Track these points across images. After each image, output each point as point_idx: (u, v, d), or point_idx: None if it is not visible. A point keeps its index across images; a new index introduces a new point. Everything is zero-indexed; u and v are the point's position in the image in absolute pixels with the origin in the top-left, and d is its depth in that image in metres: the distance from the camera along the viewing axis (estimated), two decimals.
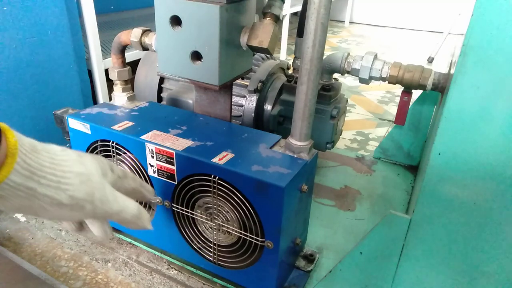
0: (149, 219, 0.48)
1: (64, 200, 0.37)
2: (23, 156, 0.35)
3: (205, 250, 0.79)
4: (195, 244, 0.80)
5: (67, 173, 0.38)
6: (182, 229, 0.80)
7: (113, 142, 0.79)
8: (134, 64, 1.09)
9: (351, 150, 1.45)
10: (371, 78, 0.97)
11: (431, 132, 1.06)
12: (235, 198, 0.69)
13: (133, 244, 0.91)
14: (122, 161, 0.81)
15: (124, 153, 0.80)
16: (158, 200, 0.74)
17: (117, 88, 0.91)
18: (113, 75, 0.90)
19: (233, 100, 0.99)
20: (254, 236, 0.71)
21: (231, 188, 0.69)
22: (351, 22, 3.91)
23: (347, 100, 1.11)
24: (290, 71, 1.13)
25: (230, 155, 0.71)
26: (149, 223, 0.47)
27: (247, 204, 0.68)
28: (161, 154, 0.73)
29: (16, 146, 0.34)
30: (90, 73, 1.22)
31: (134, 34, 0.86)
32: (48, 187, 0.36)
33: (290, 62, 1.13)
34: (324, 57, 0.73)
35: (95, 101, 1.27)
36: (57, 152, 0.39)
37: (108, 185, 0.43)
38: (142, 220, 0.47)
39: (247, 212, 0.69)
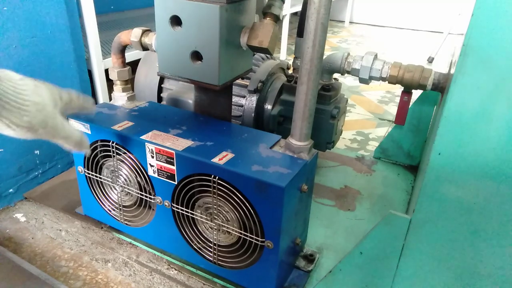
0: (88, 146, 0.57)
1: (23, 123, 0.45)
2: None
3: (205, 250, 0.79)
4: (195, 244, 0.80)
5: (26, 102, 0.45)
6: (182, 229, 0.80)
7: (113, 142, 0.79)
8: (134, 64, 1.09)
9: (351, 150, 1.45)
10: (371, 78, 0.97)
11: (431, 132, 1.06)
12: (235, 198, 0.69)
13: (133, 244, 0.91)
14: (122, 161, 0.81)
15: (124, 153, 0.80)
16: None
17: (117, 88, 0.91)
18: (113, 75, 0.90)
19: (233, 100, 0.99)
20: (254, 236, 0.71)
21: (231, 188, 0.69)
22: (351, 22, 3.90)
23: (347, 100, 1.11)
24: (290, 71, 1.13)
25: (230, 155, 0.71)
26: (89, 148, 0.57)
27: (247, 204, 0.68)
28: (161, 154, 0.73)
29: None
30: (90, 73, 1.22)
31: (134, 34, 0.86)
32: (11, 112, 0.44)
33: (290, 62, 1.13)
34: (324, 57, 0.73)
35: (95, 101, 1.27)
36: (18, 81, 0.45)
37: (59, 114, 0.51)
38: (83, 146, 0.55)
39: (247, 212, 0.69)
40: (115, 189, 0.87)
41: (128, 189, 0.84)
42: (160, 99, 1.14)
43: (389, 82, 0.96)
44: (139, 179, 0.81)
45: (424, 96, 1.17)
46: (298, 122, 0.71)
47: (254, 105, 1.03)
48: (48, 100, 0.49)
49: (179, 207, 0.77)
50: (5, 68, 0.97)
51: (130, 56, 1.31)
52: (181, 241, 0.80)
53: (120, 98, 0.91)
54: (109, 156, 0.82)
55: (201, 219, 0.76)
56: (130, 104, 0.90)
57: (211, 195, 0.72)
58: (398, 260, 0.71)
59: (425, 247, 0.68)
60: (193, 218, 0.78)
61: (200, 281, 0.83)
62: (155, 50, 0.83)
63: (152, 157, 0.74)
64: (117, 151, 0.80)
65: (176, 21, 0.74)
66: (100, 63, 1.23)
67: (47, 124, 0.48)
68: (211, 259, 0.79)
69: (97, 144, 0.82)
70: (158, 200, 0.78)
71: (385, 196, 1.13)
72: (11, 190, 1.04)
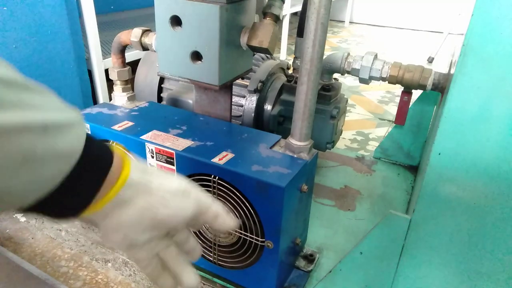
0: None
1: (175, 186, 0.39)
2: (133, 160, 0.38)
3: (205, 250, 0.79)
4: None
5: (170, 174, 0.41)
6: None
7: (113, 142, 0.79)
8: (134, 64, 1.09)
9: (351, 150, 1.45)
10: (371, 78, 0.97)
11: (431, 132, 1.06)
12: (235, 198, 0.69)
13: None
14: None
15: None
16: None
17: (117, 88, 0.91)
18: (113, 75, 0.90)
19: (233, 100, 0.99)
20: (254, 236, 0.71)
21: (231, 188, 0.69)
22: (351, 22, 3.91)
23: (347, 100, 1.11)
24: (290, 71, 1.13)
25: (230, 155, 0.71)
26: (234, 221, 0.46)
27: (247, 204, 0.68)
28: (161, 154, 0.73)
29: (124, 153, 0.38)
30: (90, 73, 1.22)
31: (134, 34, 0.86)
32: (160, 178, 0.39)
33: (290, 62, 1.13)
34: (324, 57, 0.73)
35: (95, 101, 1.27)
36: (165, 174, 0.41)
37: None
38: (228, 216, 0.45)
39: (247, 212, 0.69)
40: None
41: None
42: (160, 99, 1.14)
43: (389, 82, 0.96)
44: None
45: (424, 96, 1.17)
46: (298, 122, 0.71)
47: (254, 105, 1.03)
48: (190, 210, 0.41)
49: None
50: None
51: (130, 56, 1.31)
52: None
53: (120, 98, 0.91)
54: None
55: None
56: (130, 104, 0.90)
57: (211, 195, 0.72)
58: (398, 260, 0.71)
59: (425, 247, 0.68)
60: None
61: (200, 281, 0.83)
62: (155, 50, 0.83)
63: (152, 157, 0.74)
64: None
65: (176, 21, 0.74)
66: (100, 63, 1.23)
67: (197, 192, 0.41)
68: (211, 259, 0.79)
69: None
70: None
71: (385, 196, 1.13)
72: None
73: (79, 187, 0.33)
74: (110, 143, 0.79)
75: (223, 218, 0.43)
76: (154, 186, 0.38)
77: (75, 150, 0.32)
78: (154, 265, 0.40)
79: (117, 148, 0.37)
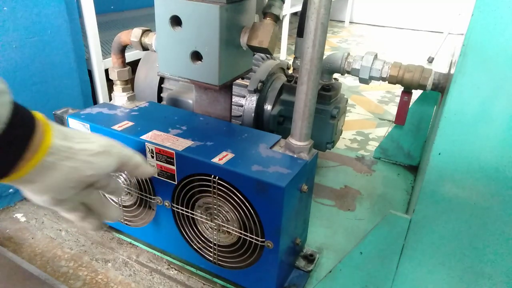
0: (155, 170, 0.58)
1: (96, 148, 0.45)
2: (55, 126, 0.42)
3: (205, 250, 0.79)
4: (195, 244, 0.80)
5: (88, 135, 0.46)
6: (182, 229, 0.80)
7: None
8: (134, 64, 1.09)
9: (351, 150, 1.45)
10: (371, 78, 0.97)
11: (431, 132, 1.06)
12: (235, 198, 0.69)
13: (133, 244, 0.91)
14: None
15: None
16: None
17: (117, 88, 0.91)
18: (113, 75, 0.90)
19: (233, 100, 0.99)
20: (254, 236, 0.71)
21: (231, 188, 0.69)
22: (351, 22, 3.90)
23: (347, 100, 1.11)
24: (290, 71, 1.13)
25: (230, 155, 0.71)
26: (153, 168, 0.55)
27: (247, 204, 0.68)
28: (161, 154, 0.73)
29: (45, 120, 0.42)
30: (90, 73, 1.22)
31: (134, 34, 0.86)
32: (81, 143, 0.43)
33: (290, 62, 1.13)
34: (324, 57, 0.73)
35: (95, 101, 1.27)
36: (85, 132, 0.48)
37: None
38: (147, 165, 0.54)
39: (247, 212, 0.69)
40: None
41: (128, 189, 0.84)
42: (160, 99, 1.14)
43: (389, 82, 0.96)
44: (139, 179, 0.81)
45: (424, 96, 1.17)
46: (298, 122, 0.71)
47: (254, 105, 1.03)
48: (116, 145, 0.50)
49: (179, 207, 0.77)
50: (4, 68, 0.97)
51: (130, 56, 1.31)
52: (181, 241, 0.80)
53: (120, 98, 0.91)
54: None
55: (201, 219, 0.76)
56: (130, 104, 0.90)
57: (211, 195, 0.72)
58: (398, 260, 0.71)
59: (425, 247, 0.68)
60: (193, 218, 0.78)
61: (200, 281, 0.83)
62: (155, 50, 0.83)
63: (152, 157, 0.74)
64: None
65: (176, 21, 0.74)
66: (100, 63, 1.23)
67: (114, 145, 0.48)
68: (211, 259, 0.79)
69: None
70: (158, 200, 0.78)
71: (385, 196, 1.13)
72: (11, 190, 1.04)
73: (2, 154, 0.37)
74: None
75: (143, 167, 0.51)
76: (77, 150, 0.42)
77: (0, 118, 0.36)
78: (79, 212, 0.47)
79: (39, 115, 0.41)
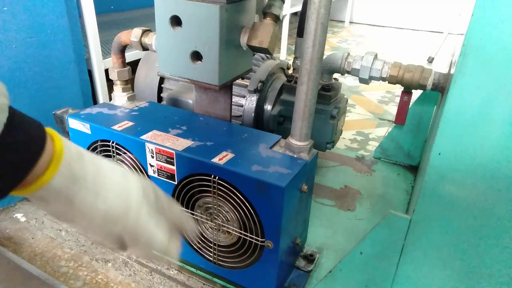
0: (177, 253, 0.44)
1: (100, 211, 0.37)
2: (68, 162, 0.36)
3: (205, 250, 0.79)
4: (195, 244, 0.80)
5: (107, 185, 0.38)
6: None
7: (113, 142, 0.79)
8: (134, 64, 1.09)
9: (351, 150, 1.45)
10: (371, 78, 0.97)
11: (431, 132, 1.06)
12: (235, 198, 0.69)
13: None
14: (122, 161, 0.81)
15: (124, 153, 0.80)
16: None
17: (117, 88, 0.91)
18: (113, 75, 0.90)
19: (233, 100, 0.99)
20: (254, 236, 0.71)
21: (231, 188, 0.69)
22: (351, 22, 3.90)
23: (347, 100, 1.11)
24: (290, 71, 1.13)
25: (230, 155, 0.71)
26: (177, 256, 0.44)
27: (247, 204, 0.68)
28: (161, 154, 0.73)
29: (62, 151, 0.36)
30: (90, 73, 1.22)
31: (134, 34, 0.86)
32: (86, 198, 0.37)
33: (290, 62, 1.13)
34: (324, 57, 0.73)
35: (95, 101, 1.27)
36: (103, 165, 0.39)
37: (145, 208, 0.41)
38: (171, 254, 0.44)
39: (247, 212, 0.69)
40: None
41: None
42: (160, 99, 1.14)
43: (389, 82, 0.96)
44: None
45: (424, 96, 1.17)
46: (298, 122, 0.70)
47: (254, 105, 1.03)
48: (135, 190, 0.41)
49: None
50: (4, 68, 0.97)
51: (130, 56, 1.31)
52: (181, 241, 0.80)
53: (120, 98, 0.91)
54: (109, 156, 0.82)
55: (201, 219, 0.76)
56: (130, 104, 0.90)
57: (211, 195, 0.72)
58: (398, 260, 0.71)
59: (425, 247, 0.68)
60: (193, 218, 0.78)
61: (200, 281, 0.83)
62: (155, 50, 0.83)
63: (152, 157, 0.74)
64: (117, 151, 0.80)
65: (176, 21, 0.74)
66: (100, 63, 1.23)
67: (128, 215, 0.39)
68: (211, 259, 0.79)
69: (97, 144, 0.82)
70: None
71: (385, 196, 1.13)
72: None
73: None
74: (110, 143, 0.79)
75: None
76: (77, 199, 0.36)
77: None
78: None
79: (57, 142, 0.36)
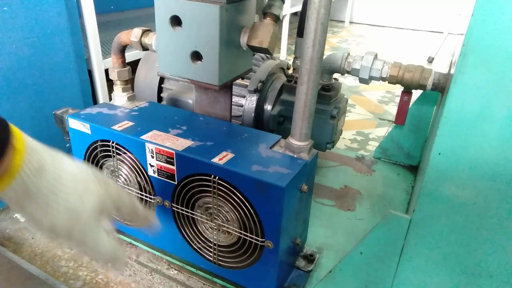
0: (124, 263, 0.49)
1: (45, 227, 0.40)
2: (22, 178, 0.37)
3: (205, 250, 0.79)
4: (195, 244, 0.80)
5: (60, 201, 0.40)
6: (182, 229, 0.80)
7: (113, 142, 0.79)
8: (134, 64, 1.09)
9: (351, 150, 1.45)
10: (371, 78, 0.97)
11: (431, 132, 1.06)
12: (235, 198, 0.69)
13: (133, 244, 0.91)
14: (122, 161, 0.81)
15: (124, 153, 0.80)
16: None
17: (117, 88, 0.91)
18: (113, 75, 0.90)
19: (233, 100, 0.99)
20: (254, 236, 0.71)
21: (231, 188, 0.69)
22: (351, 22, 3.90)
23: (347, 100, 1.11)
24: (290, 71, 1.13)
25: (230, 155, 0.71)
26: (124, 266, 0.49)
27: (247, 204, 0.68)
28: (161, 154, 0.73)
29: (19, 167, 0.36)
30: (90, 73, 1.22)
31: (134, 34, 0.86)
32: (36, 213, 0.39)
33: (290, 62, 1.13)
34: (324, 57, 0.73)
35: (95, 101, 1.27)
36: (65, 175, 0.40)
37: (93, 225, 0.43)
38: (118, 263, 0.48)
39: (247, 212, 0.69)
40: None
41: (128, 189, 0.84)
42: (160, 99, 1.14)
43: (389, 82, 0.96)
44: (139, 179, 0.81)
45: (424, 96, 1.17)
46: (298, 122, 0.71)
47: (254, 105, 1.03)
48: (88, 207, 0.42)
49: (179, 207, 0.77)
50: (4, 68, 0.97)
51: (130, 56, 1.31)
52: (181, 241, 0.80)
53: (120, 98, 0.91)
54: (109, 156, 0.82)
55: (201, 219, 0.76)
56: (130, 104, 0.90)
57: (211, 195, 0.72)
58: (398, 260, 0.71)
59: (425, 247, 0.68)
60: (193, 218, 0.78)
61: (200, 281, 0.83)
62: (155, 50, 0.83)
63: (152, 157, 0.74)
64: (117, 151, 0.80)
65: (176, 21, 0.74)
66: (100, 63, 1.23)
67: (71, 234, 0.41)
68: (211, 259, 0.79)
69: (97, 144, 0.82)
70: (158, 200, 0.78)
71: (385, 196, 1.13)
72: None
73: None
74: (110, 143, 0.79)
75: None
76: (27, 212, 0.38)
77: None
78: None
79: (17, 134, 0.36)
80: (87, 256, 0.45)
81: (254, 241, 0.71)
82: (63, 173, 0.40)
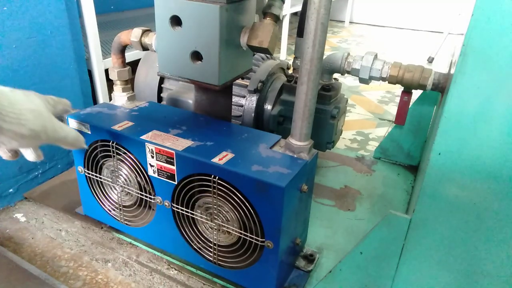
0: (84, 142, 0.60)
1: (25, 132, 0.46)
2: None
3: (205, 250, 0.79)
4: (195, 244, 0.80)
5: (23, 111, 0.46)
6: (182, 229, 0.80)
7: (113, 142, 0.79)
8: (134, 64, 1.09)
9: (351, 150, 1.45)
10: (371, 78, 0.97)
11: (431, 132, 1.06)
12: (235, 198, 0.69)
13: (133, 244, 0.91)
14: (122, 161, 0.81)
15: (124, 153, 0.80)
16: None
17: (117, 88, 0.91)
18: (113, 75, 0.90)
19: (233, 100, 0.99)
20: (254, 236, 0.71)
21: (231, 188, 0.69)
22: (351, 22, 3.90)
23: (347, 100, 1.11)
24: (290, 71, 1.13)
25: (230, 155, 0.71)
26: (85, 145, 0.60)
27: (247, 204, 0.68)
28: (161, 154, 0.73)
29: None
30: (90, 73, 1.22)
31: (134, 34, 0.86)
32: (11, 123, 0.45)
33: (290, 62, 1.13)
34: (324, 57, 0.73)
35: (95, 101, 1.27)
36: (8, 93, 0.47)
37: (53, 117, 0.53)
38: (80, 142, 0.58)
39: (247, 212, 0.69)
40: (115, 189, 0.87)
41: (128, 189, 0.84)
42: (160, 99, 1.14)
43: (389, 82, 0.96)
44: (139, 179, 0.81)
45: (424, 96, 1.17)
46: (298, 122, 0.71)
47: (254, 105, 1.03)
48: (41, 106, 0.51)
49: (179, 207, 0.77)
50: (4, 68, 0.97)
51: (130, 56, 1.31)
52: (181, 241, 0.80)
53: (120, 98, 0.91)
54: (109, 156, 0.82)
55: (201, 219, 0.76)
56: (130, 104, 0.90)
57: (211, 195, 0.72)
58: (398, 260, 0.71)
59: (425, 247, 0.68)
60: (193, 218, 0.78)
61: (200, 281, 0.83)
62: (155, 50, 0.83)
63: (152, 157, 0.74)
64: (117, 151, 0.80)
65: (176, 21, 0.74)
66: (100, 63, 1.23)
67: (46, 128, 0.49)
68: (211, 259, 0.79)
69: (97, 144, 0.82)
70: (158, 200, 0.78)
71: (385, 196, 1.13)
72: (11, 190, 1.04)
73: None
74: (110, 143, 0.79)
75: (74, 147, 0.56)
76: (5, 130, 0.44)
77: None
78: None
79: None
80: (59, 144, 0.53)
81: (254, 241, 0.71)
82: (2, 90, 0.47)
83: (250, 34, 0.76)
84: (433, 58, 2.62)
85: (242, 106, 1.04)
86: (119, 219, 0.88)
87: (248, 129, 0.82)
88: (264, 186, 0.64)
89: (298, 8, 2.52)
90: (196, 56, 0.76)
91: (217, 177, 0.69)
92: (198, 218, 0.77)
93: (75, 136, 0.57)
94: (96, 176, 0.87)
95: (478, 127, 0.57)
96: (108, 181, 0.86)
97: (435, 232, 0.66)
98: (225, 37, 0.72)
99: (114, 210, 0.89)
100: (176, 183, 0.74)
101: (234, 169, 0.67)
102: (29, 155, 0.54)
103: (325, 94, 1.00)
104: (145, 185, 0.80)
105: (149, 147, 0.74)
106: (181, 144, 0.73)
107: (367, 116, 1.80)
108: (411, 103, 1.07)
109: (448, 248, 0.66)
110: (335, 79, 1.07)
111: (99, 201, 0.90)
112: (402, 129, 1.24)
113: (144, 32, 0.86)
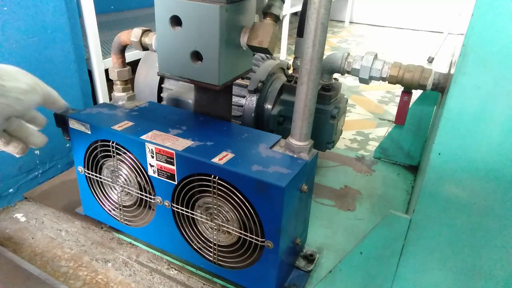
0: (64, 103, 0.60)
1: (25, 86, 0.49)
2: None
3: (205, 250, 0.79)
4: (195, 244, 0.80)
5: (14, 72, 0.50)
6: (182, 229, 0.80)
7: (113, 142, 0.79)
8: (134, 64, 1.09)
9: (351, 150, 1.45)
10: (371, 78, 0.97)
11: (431, 132, 1.06)
12: (235, 198, 0.69)
13: (133, 244, 0.91)
14: (122, 161, 0.81)
15: (124, 153, 0.80)
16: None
17: (117, 88, 0.91)
18: (113, 75, 0.90)
19: (233, 100, 0.99)
20: (254, 236, 0.71)
21: (231, 188, 0.69)
22: (351, 22, 3.90)
23: (347, 100, 1.11)
24: (290, 71, 1.13)
25: (230, 155, 0.71)
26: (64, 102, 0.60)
27: (247, 204, 0.68)
28: (161, 154, 0.73)
29: None
30: (90, 73, 1.22)
31: (134, 34, 0.86)
32: (11, 81, 0.48)
33: (290, 62, 1.13)
34: (324, 57, 0.73)
35: (95, 101, 1.27)
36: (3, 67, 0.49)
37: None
38: (62, 100, 0.58)
39: (247, 212, 0.69)
40: (115, 189, 0.87)
41: (128, 189, 0.84)
42: (160, 99, 1.14)
43: (389, 82, 0.96)
44: (139, 179, 0.81)
45: (424, 96, 1.17)
46: (298, 122, 0.71)
47: (254, 105, 1.03)
48: (28, 74, 0.53)
49: (179, 207, 0.77)
50: None
51: (130, 56, 1.31)
52: (181, 241, 0.80)
53: (120, 98, 0.91)
54: (109, 156, 0.82)
55: (201, 219, 0.76)
56: (130, 104, 0.90)
57: (211, 195, 0.72)
58: (398, 260, 0.71)
59: (425, 247, 0.68)
60: (193, 218, 0.78)
61: (200, 281, 0.83)
62: (155, 50, 0.83)
63: (152, 157, 0.74)
64: (117, 151, 0.80)
65: (176, 21, 0.74)
66: (100, 63, 1.23)
67: (37, 81, 0.52)
68: (211, 259, 0.79)
69: (97, 144, 0.82)
70: (158, 200, 0.78)
71: (385, 196, 1.13)
72: (11, 190, 1.04)
73: None
74: (110, 143, 0.79)
75: (58, 102, 0.56)
76: (8, 88, 0.47)
77: None
78: (2, 138, 0.53)
79: None
80: (50, 100, 0.55)
81: (254, 241, 0.71)
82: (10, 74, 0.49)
83: (250, 34, 0.76)
84: (433, 58, 2.62)
85: (242, 106, 1.04)
86: (119, 219, 0.88)
87: (248, 129, 0.82)
88: (264, 186, 0.64)
89: (298, 8, 2.52)
90: (196, 56, 0.76)
91: (217, 177, 0.69)
92: (198, 218, 0.77)
93: (57, 95, 0.58)
94: (96, 176, 0.87)
95: (478, 127, 0.57)
96: (108, 181, 0.86)
97: (435, 232, 0.66)
98: (225, 37, 0.72)
99: (114, 210, 0.89)
100: (176, 183, 0.74)
101: (234, 169, 0.67)
102: (37, 137, 0.56)
103: (325, 94, 1.00)
104: (145, 185, 0.80)
105: (149, 147, 0.74)
106: (181, 144, 0.73)
107: (367, 116, 1.80)
108: (411, 103, 1.07)
109: (448, 248, 0.66)
110: (335, 79, 1.07)
111: (99, 201, 0.90)
112: (402, 129, 1.24)
113: (144, 32, 0.86)
